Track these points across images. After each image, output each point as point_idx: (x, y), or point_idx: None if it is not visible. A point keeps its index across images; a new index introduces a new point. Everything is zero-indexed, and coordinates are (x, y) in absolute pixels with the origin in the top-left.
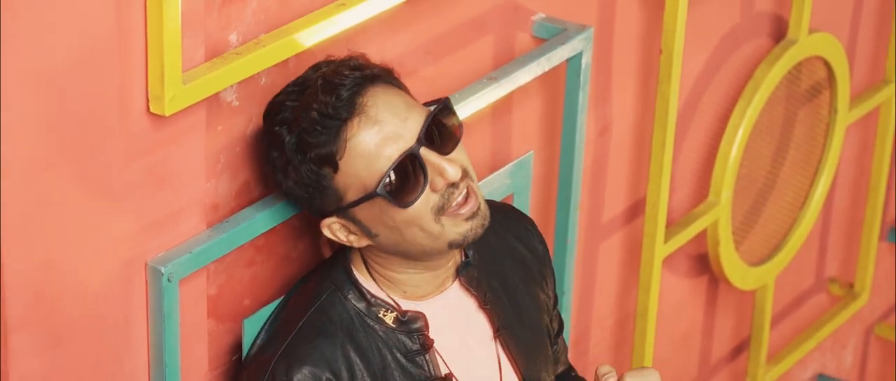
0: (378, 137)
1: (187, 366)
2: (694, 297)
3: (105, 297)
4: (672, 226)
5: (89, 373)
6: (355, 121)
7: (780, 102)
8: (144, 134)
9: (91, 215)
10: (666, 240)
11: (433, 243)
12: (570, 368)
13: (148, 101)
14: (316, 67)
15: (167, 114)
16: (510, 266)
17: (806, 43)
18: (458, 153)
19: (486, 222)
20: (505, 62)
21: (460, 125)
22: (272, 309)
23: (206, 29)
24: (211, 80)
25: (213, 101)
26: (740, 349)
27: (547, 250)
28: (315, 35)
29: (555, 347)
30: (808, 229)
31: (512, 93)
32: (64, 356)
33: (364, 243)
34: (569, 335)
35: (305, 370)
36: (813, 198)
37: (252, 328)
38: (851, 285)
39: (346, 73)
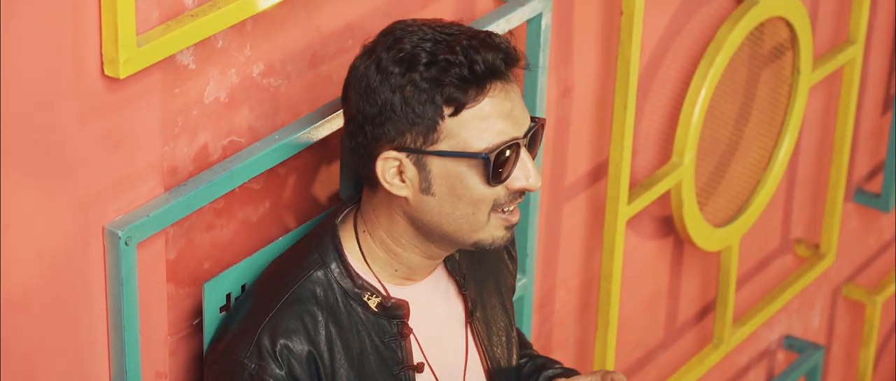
0: (504, 111)
1: (146, 331)
2: (659, 259)
3: (62, 261)
4: (635, 187)
5: (47, 338)
6: (498, 86)
7: (742, 63)
8: (99, 97)
9: (47, 178)
10: (629, 201)
11: (468, 231)
12: (529, 346)
13: (102, 63)
14: (447, 26)
15: (122, 76)
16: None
17: (768, 3)
18: None
19: (510, 240)
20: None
21: (538, 148)
22: (232, 273)
23: None
24: (165, 42)
25: (170, 63)
26: (706, 310)
27: None
28: None
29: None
30: (772, 190)
31: None
32: (21, 321)
33: (405, 193)
34: (533, 297)
35: (291, 342)
36: (777, 159)
37: (212, 292)
38: (817, 246)
39: (502, 43)
